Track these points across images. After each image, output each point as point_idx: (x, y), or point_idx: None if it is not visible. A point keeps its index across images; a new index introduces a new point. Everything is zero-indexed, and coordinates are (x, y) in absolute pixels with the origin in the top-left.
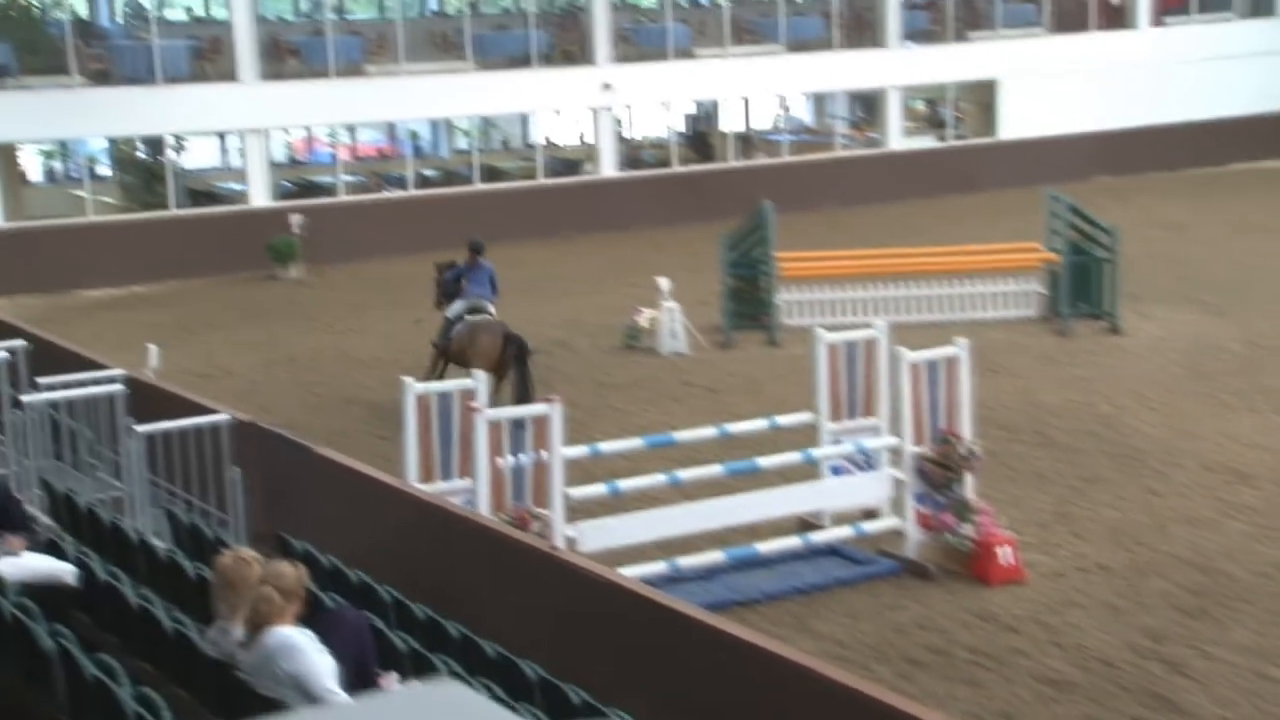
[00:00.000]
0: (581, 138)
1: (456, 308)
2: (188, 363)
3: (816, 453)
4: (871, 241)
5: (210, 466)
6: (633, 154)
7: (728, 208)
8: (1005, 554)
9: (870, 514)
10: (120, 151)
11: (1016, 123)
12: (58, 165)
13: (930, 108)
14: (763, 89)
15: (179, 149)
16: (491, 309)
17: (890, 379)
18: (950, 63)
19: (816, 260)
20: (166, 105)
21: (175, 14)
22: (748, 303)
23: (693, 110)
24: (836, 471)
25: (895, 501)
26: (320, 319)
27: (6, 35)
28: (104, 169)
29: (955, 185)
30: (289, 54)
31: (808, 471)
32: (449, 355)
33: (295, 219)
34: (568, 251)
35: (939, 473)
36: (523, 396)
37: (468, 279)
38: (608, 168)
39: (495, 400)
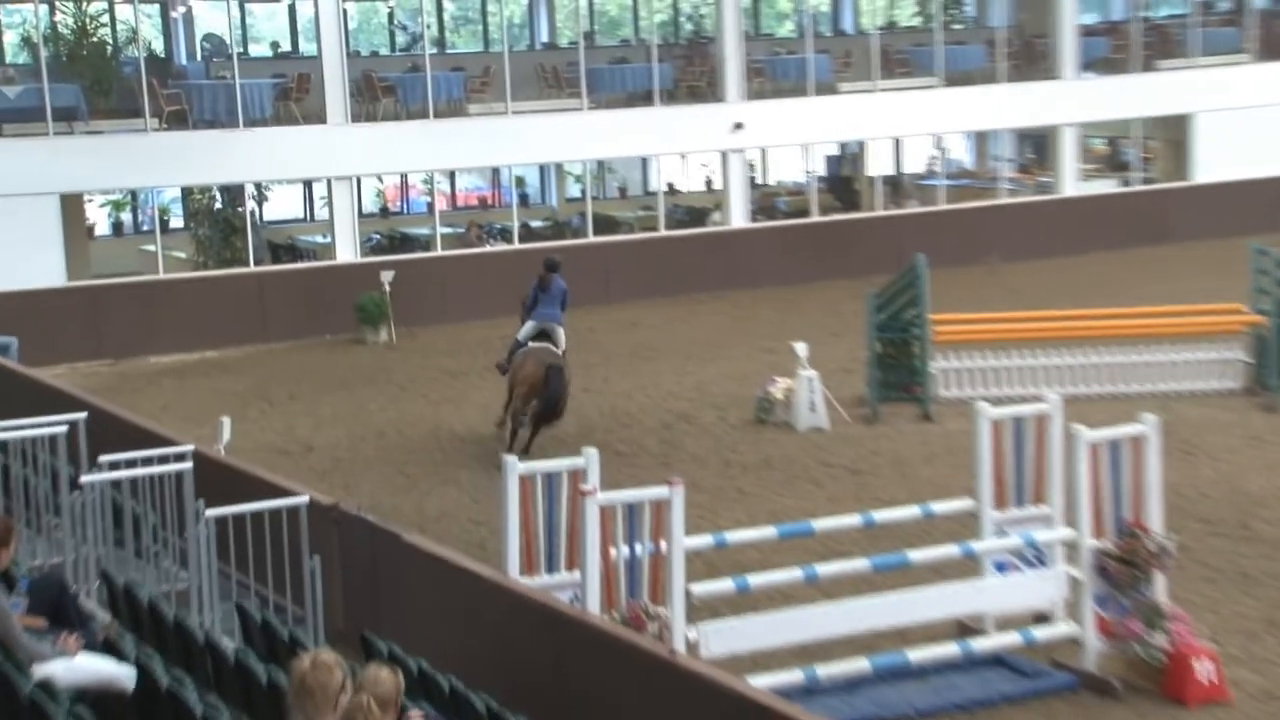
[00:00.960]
0: (708, 183)
1: (526, 329)
2: (264, 436)
3: (978, 546)
4: (1042, 302)
5: (286, 555)
6: (766, 202)
7: (875, 262)
8: (1204, 669)
9: (1041, 618)
10: (195, 202)
11: (1214, 164)
12: (126, 217)
13: (1112, 147)
14: (916, 127)
15: (260, 198)
16: (561, 331)
17: (1065, 461)
18: (1136, 95)
19: (978, 323)
20: (247, 150)
21: (259, 48)
22: (898, 371)
23: (835, 152)
24: (1001, 568)
25: (1071, 604)
26: (411, 387)
27: (76, 74)
28: (177, 220)
29: (1141, 236)
30: (383, 92)
31: (967, 567)
32: (509, 381)
33: (386, 275)
34: (692, 311)
35: (1124, 571)
36: (543, 413)
37: (540, 299)
38: (738, 217)
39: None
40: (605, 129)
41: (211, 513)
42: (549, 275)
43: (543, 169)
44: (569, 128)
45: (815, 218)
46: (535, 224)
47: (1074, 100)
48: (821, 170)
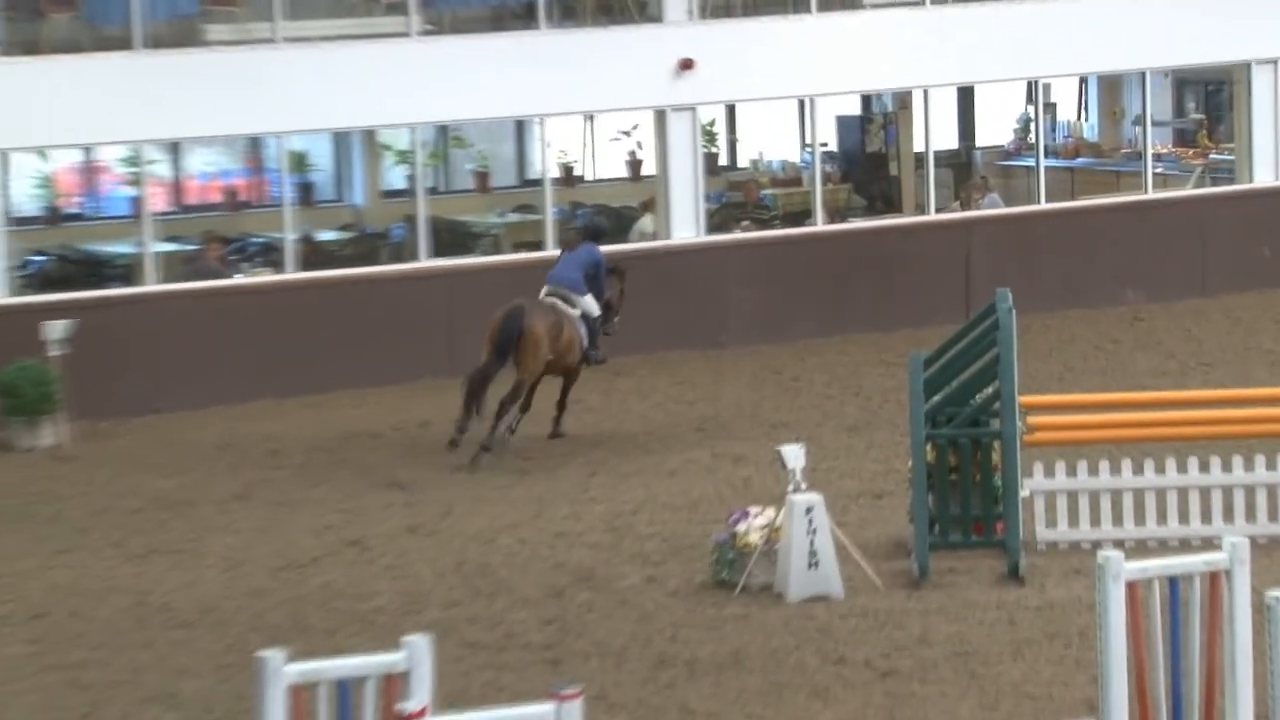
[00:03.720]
0: (634, 166)
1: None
2: None
3: None
4: (1222, 373)
5: None
6: (737, 198)
7: (923, 302)
8: None
9: None
10: None
11: None
12: None
13: None
14: (997, 68)
15: None
16: (575, 299)
17: (1258, 652)
18: None
19: (1105, 409)
20: None
21: None
22: (963, 495)
23: (855, 111)
24: None
25: None
26: (97, 530)
27: None
28: None
29: None
30: (53, 2)
31: None
32: None
33: (55, 329)
34: (604, 387)
35: None
36: (491, 361)
37: (559, 263)
38: (685, 225)
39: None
40: (451, 71)
41: None
42: (576, 239)
43: (339, 141)
44: (386, 69)
45: (821, 225)
46: (327, 236)
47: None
48: (832, 143)
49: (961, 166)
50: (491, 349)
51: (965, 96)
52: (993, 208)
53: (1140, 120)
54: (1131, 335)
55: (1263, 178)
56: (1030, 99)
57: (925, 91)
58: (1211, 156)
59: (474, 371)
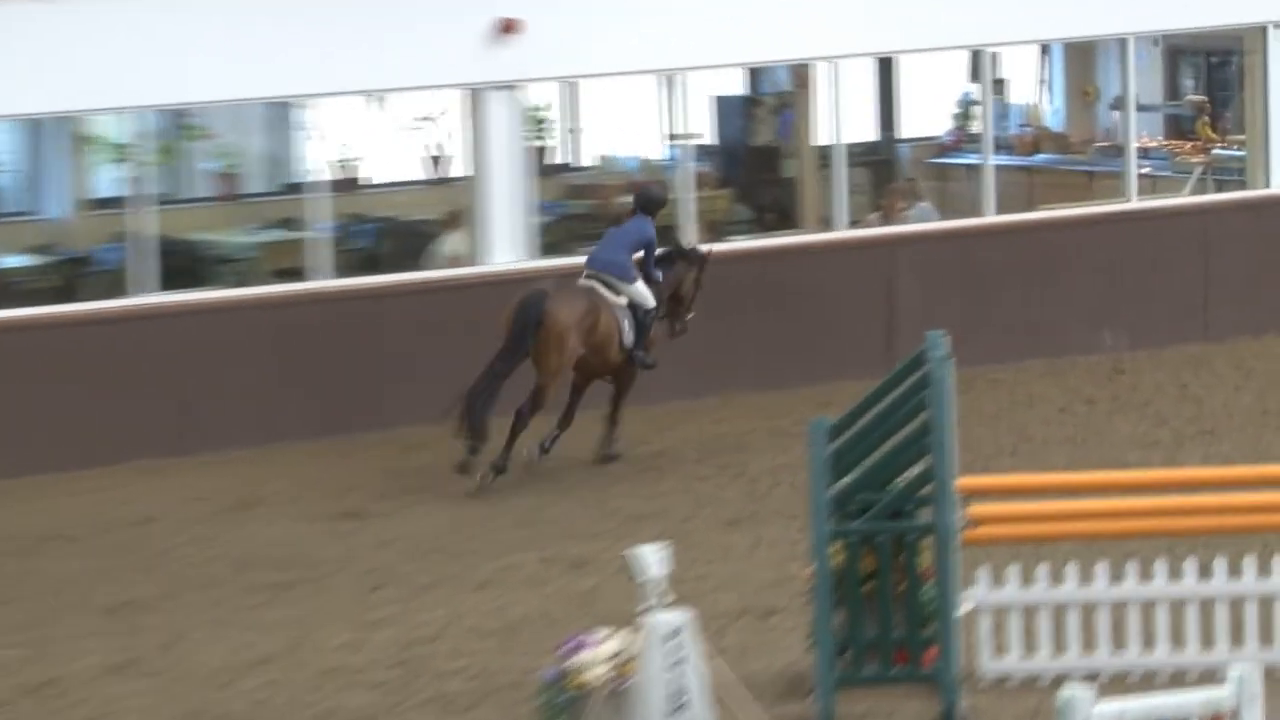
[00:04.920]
0: (433, 162)
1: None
2: None
3: None
4: (1223, 441)
5: None
6: (585, 206)
7: (829, 343)
8: None
9: None
10: None
11: None
12: None
13: None
14: (929, 35)
15: None
16: (619, 285)
17: None
18: None
19: (1068, 494)
20: None
21: None
22: (882, 611)
23: (740, 91)
24: None
25: None
26: None
27: None
28: None
29: None
30: None
31: None
32: None
33: None
34: (392, 468)
35: None
36: (507, 358)
37: (602, 241)
38: (504, 246)
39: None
40: (182, 38)
41: None
42: (633, 211)
43: (28, 132)
44: (96, 35)
45: (692, 243)
46: (9, 263)
47: None
48: (708, 134)
49: (882, 166)
50: (505, 342)
51: (886, 72)
52: (924, 221)
53: (1121, 103)
54: (1110, 393)
55: None
56: (974, 75)
57: (833, 64)
58: (1215, 152)
59: (483, 372)
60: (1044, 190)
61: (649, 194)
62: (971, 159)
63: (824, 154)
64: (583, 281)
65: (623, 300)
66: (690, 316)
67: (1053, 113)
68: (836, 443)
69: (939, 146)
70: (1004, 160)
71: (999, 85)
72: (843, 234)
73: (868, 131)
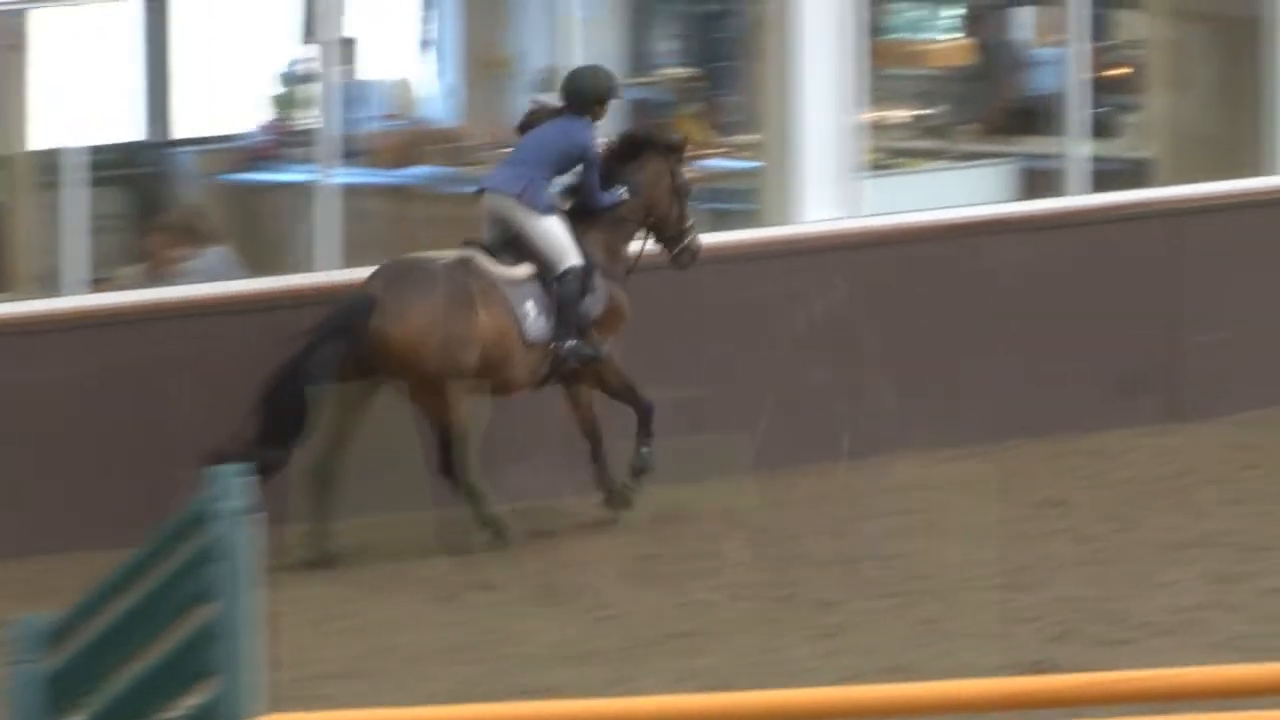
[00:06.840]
0: None
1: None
2: None
3: None
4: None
5: None
6: None
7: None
8: None
9: None
10: None
11: None
12: None
13: None
14: None
15: None
16: (541, 221)
17: None
18: None
19: None
20: None
21: None
22: None
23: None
24: None
25: None
26: None
27: None
28: None
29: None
30: None
31: None
32: None
33: None
34: None
35: None
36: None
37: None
38: None
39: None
40: None
41: None
42: (552, 112)
43: None
44: None
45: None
46: None
47: None
48: None
49: (149, 184)
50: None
51: (157, 25)
52: (215, 276)
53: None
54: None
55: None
56: (307, 33)
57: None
58: (712, 164)
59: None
60: (423, 227)
61: (592, 82)
62: (300, 174)
63: (44, 165)
64: (448, 255)
65: (519, 271)
66: (691, 229)
67: (440, 96)
68: (59, 657)
69: (245, 152)
70: (357, 176)
71: (346, 47)
72: (55, 304)
73: (123, 127)
